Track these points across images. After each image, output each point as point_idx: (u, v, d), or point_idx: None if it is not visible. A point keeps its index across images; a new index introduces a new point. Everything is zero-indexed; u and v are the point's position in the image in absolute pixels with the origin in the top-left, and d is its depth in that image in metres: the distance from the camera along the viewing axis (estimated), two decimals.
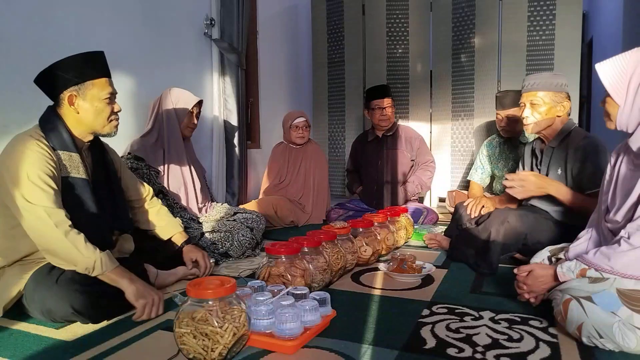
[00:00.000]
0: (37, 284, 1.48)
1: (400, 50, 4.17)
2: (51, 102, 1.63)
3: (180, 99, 2.47)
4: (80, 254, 1.47)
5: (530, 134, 2.17)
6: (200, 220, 2.43)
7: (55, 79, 1.56)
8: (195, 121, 2.56)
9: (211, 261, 2.02)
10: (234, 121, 3.46)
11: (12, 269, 1.56)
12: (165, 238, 1.99)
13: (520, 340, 1.34)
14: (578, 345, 1.28)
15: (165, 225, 1.99)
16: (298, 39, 4.77)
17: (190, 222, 2.36)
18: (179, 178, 2.46)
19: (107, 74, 1.65)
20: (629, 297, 1.21)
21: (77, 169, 1.61)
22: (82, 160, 1.64)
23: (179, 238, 2.00)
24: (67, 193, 1.56)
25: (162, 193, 2.32)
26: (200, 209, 2.54)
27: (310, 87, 4.72)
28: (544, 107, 2.04)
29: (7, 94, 2.00)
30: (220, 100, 3.42)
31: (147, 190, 1.98)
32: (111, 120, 1.65)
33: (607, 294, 1.23)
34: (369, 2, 4.19)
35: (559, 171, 2.06)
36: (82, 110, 1.59)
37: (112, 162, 1.83)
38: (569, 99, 2.09)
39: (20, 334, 1.43)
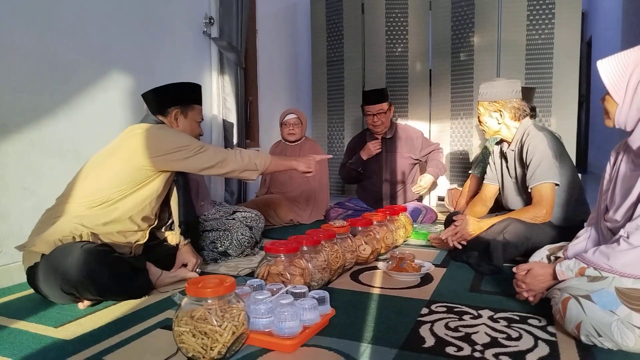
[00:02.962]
0: (64, 248, 1.55)
1: (399, 49, 4.17)
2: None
3: None
4: (255, 156, 1.91)
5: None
6: (200, 219, 2.43)
7: (169, 97, 1.94)
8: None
9: (197, 270, 2.02)
10: (233, 120, 3.46)
11: (63, 224, 1.65)
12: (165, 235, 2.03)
13: (519, 339, 1.34)
14: (577, 344, 1.28)
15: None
16: (297, 38, 4.77)
17: None
18: (179, 177, 2.45)
19: (201, 104, 2.06)
20: (628, 295, 1.21)
21: None
22: None
23: (176, 237, 2.03)
24: (168, 182, 1.88)
25: None
26: (199, 207, 2.53)
27: (309, 86, 4.72)
28: (482, 117, 2.22)
29: (6, 94, 1.99)
30: (219, 99, 3.42)
31: None
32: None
33: (606, 292, 1.23)
34: (369, 0, 4.19)
35: (523, 172, 2.15)
36: (181, 125, 1.97)
37: None
38: (514, 106, 2.14)
39: (19, 332, 1.43)
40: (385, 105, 3.22)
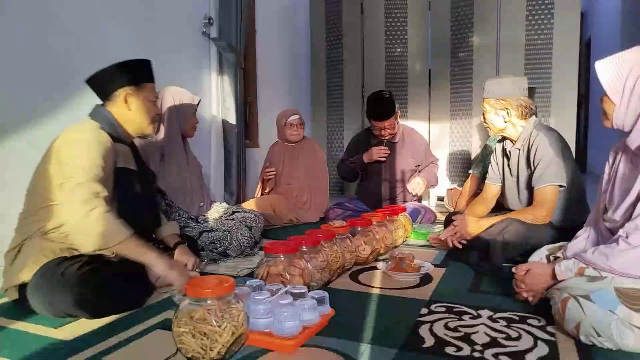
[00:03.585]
0: (44, 275, 1.49)
1: (398, 49, 4.17)
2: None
3: (182, 98, 2.46)
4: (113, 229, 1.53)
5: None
6: (199, 220, 2.43)
7: (113, 78, 1.73)
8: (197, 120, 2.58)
9: (197, 270, 1.99)
10: (232, 120, 3.46)
11: (30, 248, 1.56)
12: (161, 237, 2.00)
13: (518, 338, 1.34)
14: (576, 344, 1.28)
15: (163, 225, 2.02)
16: (297, 38, 4.77)
17: (188, 221, 2.36)
18: (178, 177, 2.45)
19: (154, 81, 1.84)
20: (627, 295, 1.21)
21: (130, 161, 1.75)
22: (132, 154, 1.78)
23: (172, 238, 2.01)
24: (119, 184, 1.66)
25: (160, 192, 2.32)
26: (199, 208, 2.53)
27: (308, 86, 4.72)
28: (488, 115, 2.19)
29: (6, 94, 1.99)
30: (218, 100, 3.42)
31: None
32: (154, 121, 1.84)
33: (605, 292, 1.23)
34: (368, 1, 4.19)
35: (528, 171, 2.13)
36: (134, 108, 1.76)
37: (143, 161, 1.95)
38: (521, 104, 2.12)
39: (18, 333, 1.43)
40: (393, 119, 3.14)
